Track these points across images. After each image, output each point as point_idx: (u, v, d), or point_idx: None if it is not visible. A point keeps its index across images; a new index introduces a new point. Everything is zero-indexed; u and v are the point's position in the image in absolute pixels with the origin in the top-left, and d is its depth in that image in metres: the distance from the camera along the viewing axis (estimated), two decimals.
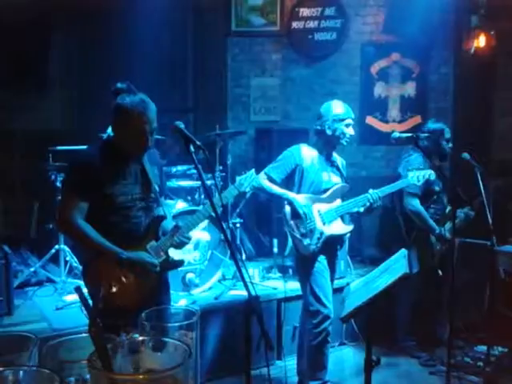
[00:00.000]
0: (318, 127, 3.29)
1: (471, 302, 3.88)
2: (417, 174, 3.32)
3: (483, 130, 5.60)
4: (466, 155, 3.77)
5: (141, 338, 0.95)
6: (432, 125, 3.96)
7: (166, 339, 0.92)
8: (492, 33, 5.36)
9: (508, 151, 5.54)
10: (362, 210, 3.25)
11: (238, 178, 2.77)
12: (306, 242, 3.16)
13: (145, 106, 2.40)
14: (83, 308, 0.89)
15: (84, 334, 0.93)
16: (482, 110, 5.68)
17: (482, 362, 3.68)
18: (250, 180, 2.77)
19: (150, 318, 1.09)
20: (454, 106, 5.86)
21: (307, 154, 3.30)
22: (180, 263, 2.61)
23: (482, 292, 3.80)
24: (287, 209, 3.22)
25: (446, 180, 3.71)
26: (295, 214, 3.19)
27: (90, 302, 2.20)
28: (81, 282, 3.86)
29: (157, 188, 2.55)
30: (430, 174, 3.34)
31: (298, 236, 3.18)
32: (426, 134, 3.75)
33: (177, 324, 1.05)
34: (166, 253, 2.51)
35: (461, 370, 3.53)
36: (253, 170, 2.83)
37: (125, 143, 2.44)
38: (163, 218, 2.57)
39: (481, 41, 5.39)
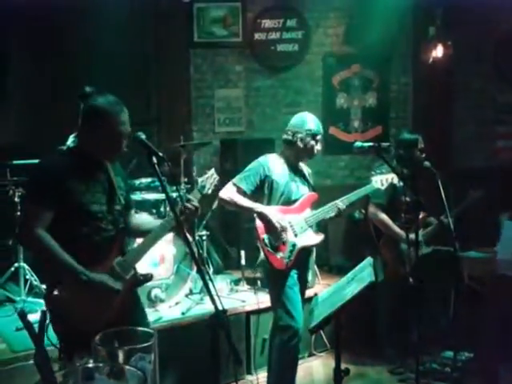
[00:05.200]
0: (290, 138, 3.23)
1: (439, 308, 3.92)
2: (380, 178, 3.29)
3: (442, 139, 5.73)
4: (426, 163, 3.82)
5: (94, 365, 0.87)
6: (407, 135, 4.08)
7: (122, 365, 0.86)
8: (449, 43, 5.52)
9: (466, 160, 5.69)
10: (330, 217, 3.22)
11: (199, 180, 2.63)
12: (279, 255, 3.10)
13: (121, 106, 2.29)
14: (33, 334, 0.82)
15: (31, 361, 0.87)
16: (440, 119, 5.82)
17: (449, 368, 3.71)
18: (212, 180, 2.63)
19: (105, 341, 1.01)
20: (413, 116, 5.99)
21: (275, 164, 3.23)
22: (149, 277, 2.48)
23: (449, 298, 3.84)
24: (258, 223, 3.13)
25: (416, 188, 3.74)
26: (267, 228, 3.11)
27: (53, 325, 2.11)
28: (41, 302, 3.75)
29: (122, 200, 2.42)
30: (393, 177, 3.32)
31: (270, 250, 3.10)
32: (388, 144, 3.80)
33: (133, 347, 0.97)
34: (134, 268, 2.39)
35: (429, 376, 3.55)
36: (213, 169, 2.70)
37: (97, 148, 2.29)
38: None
39: (438, 51, 5.55)
